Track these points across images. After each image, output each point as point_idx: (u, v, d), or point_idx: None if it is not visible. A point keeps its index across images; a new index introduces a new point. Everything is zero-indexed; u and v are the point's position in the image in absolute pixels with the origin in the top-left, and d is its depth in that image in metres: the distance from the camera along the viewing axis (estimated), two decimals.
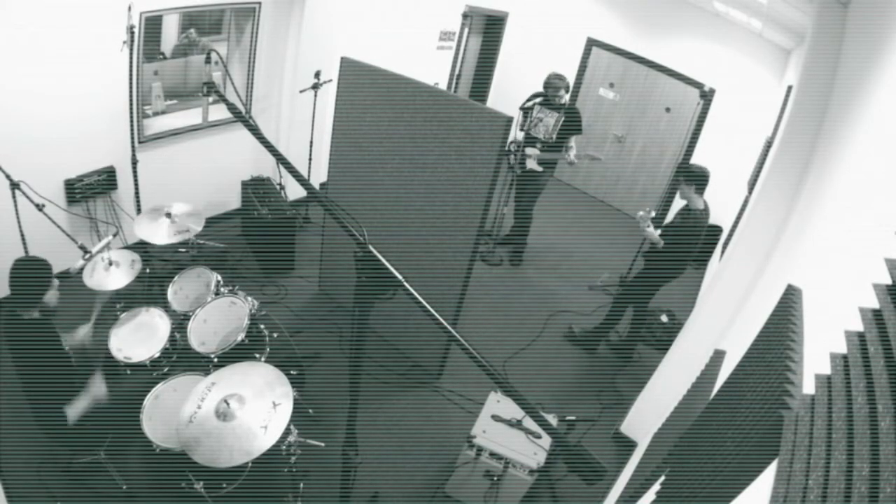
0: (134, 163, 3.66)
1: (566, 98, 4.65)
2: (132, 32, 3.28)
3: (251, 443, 1.97)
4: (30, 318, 2.14)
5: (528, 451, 2.60)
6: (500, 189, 4.18)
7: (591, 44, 6.82)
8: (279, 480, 2.54)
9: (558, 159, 4.71)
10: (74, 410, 2.20)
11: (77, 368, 2.35)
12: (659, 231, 3.70)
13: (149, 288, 3.48)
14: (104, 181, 3.67)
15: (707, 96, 5.99)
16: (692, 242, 3.60)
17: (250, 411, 2.06)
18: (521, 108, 4.72)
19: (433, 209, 3.23)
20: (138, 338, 2.73)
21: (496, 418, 2.73)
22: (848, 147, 1.86)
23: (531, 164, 4.71)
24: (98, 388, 2.30)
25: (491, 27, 7.40)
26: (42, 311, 2.19)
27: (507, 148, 4.54)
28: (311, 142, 4.85)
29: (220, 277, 3.11)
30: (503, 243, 5.38)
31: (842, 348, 1.04)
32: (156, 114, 4.07)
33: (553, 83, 4.55)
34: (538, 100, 4.68)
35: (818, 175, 2.20)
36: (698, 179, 3.47)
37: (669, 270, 3.82)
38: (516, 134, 4.76)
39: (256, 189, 4.38)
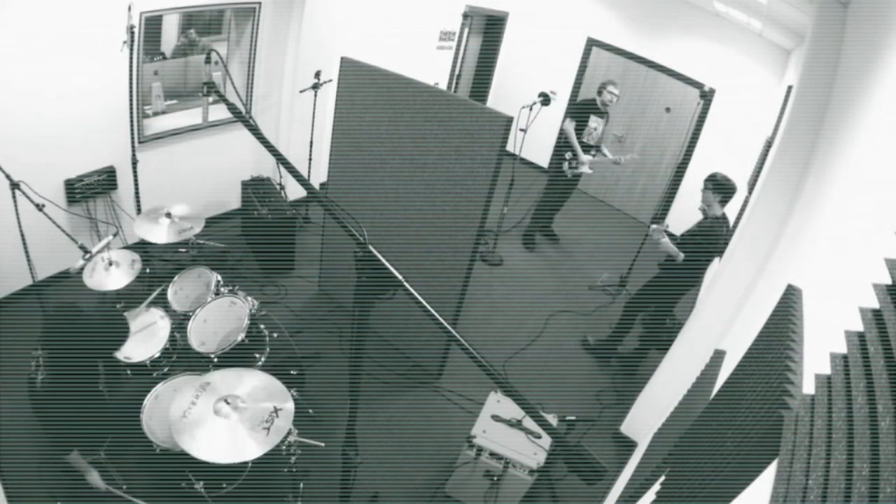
0: (134, 163, 3.66)
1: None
2: (132, 32, 3.28)
3: (249, 445, 1.97)
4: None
5: (528, 451, 2.60)
6: (500, 189, 4.19)
7: (591, 44, 6.82)
8: (279, 480, 2.54)
9: (608, 162, 5.18)
10: (73, 461, 2.18)
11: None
12: (675, 241, 3.68)
13: (149, 288, 3.48)
14: (104, 181, 3.67)
15: (707, 96, 5.97)
16: (710, 251, 3.59)
17: (251, 412, 2.06)
18: (572, 117, 5.05)
19: (433, 209, 3.22)
20: (138, 338, 2.73)
21: (496, 418, 2.73)
22: (848, 147, 1.86)
23: (584, 169, 5.08)
24: (94, 477, 2.27)
25: (491, 27, 7.40)
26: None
27: (563, 156, 5.06)
28: (311, 142, 4.85)
29: (220, 277, 3.11)
30: (528, 246, 5.63)
31: (842, 348, 1.04)
32: (156, 114, 4.07)
33: (611, 91, 4.84)
34: (588, 107, 5.03)
35: (818, 175, 2.20)
36: (725, 191, 3.47)
37: (686, 280, 3.78)
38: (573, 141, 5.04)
39: (256, 189, 4.38)
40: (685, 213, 3.72)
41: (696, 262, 3.62)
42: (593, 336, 4.33)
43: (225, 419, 2.02)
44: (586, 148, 5.09)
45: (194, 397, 2.09)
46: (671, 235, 3.71)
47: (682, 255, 3.58)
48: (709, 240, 3.53)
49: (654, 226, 3.65)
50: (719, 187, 3.47)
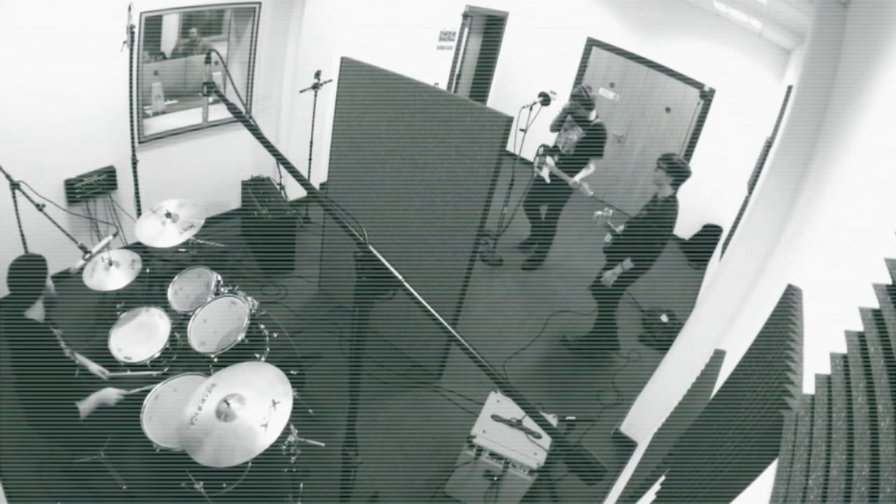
0: (134, 163, 3.66)
1: (591, 116, 4.44)
2: (132, 32, 3.28)
3: (252, 441, 1.97)
4: (31, 319, 2.14)
5: (528, 451, 2.60)
6: (500, 189, 4.16)
7: (591, 44, 6.82)
8: (279, 480, 2.55)
9: (565, 180, 4.56)
10: (86, 405, 2.23)
11: (79, 378, 2.36)
12: (621, 227, 3.66)
13: (149, 288, 3.48)
14: (104, 181, 3.67)
15: (707, 96, 5.99)
16: (661, 233, 3.49)
17: (250, 410, 2.07)
18: (558, 119, 4.65)
19: (433, 209, 3.22)
20: (138, 338, 2.74)
21: (496, 418, 2.73)
22: (848, 147, 1.86)
23: (543, 173, 4.66)
24: (108, 392, 2.33)
25: (491, 27, 7.40)
26: (45, 301, 2.21)
27: (536, 152, 4.69)
28: (311, 142, 4.85)
29: (220, 277, 3.12)
30: (524, 249, 5.43)
31: (842, 348, 1.04)
32: (156, 114, 4.07)
33: (577, 95, 4.37)
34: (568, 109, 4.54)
35: (818, 175, 2.20)
36: (679, 174, 3.38)
37: (641, 266, 3.68)
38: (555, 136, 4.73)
39: (256, 189, 4.38)
40: (684, 213, 3.69)
41: (652, 246, 3.53)
42: (571, 335, 4.29)
43: (230, 422, 2.02)
44: (553, 150, 4.67)
45: (200, 401, 2.09)
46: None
47: (627, 263, 3.56)
48: (663, 224, 3.46)
49: (598, 213, 3.51)
50: (674, 169, 3.38)
